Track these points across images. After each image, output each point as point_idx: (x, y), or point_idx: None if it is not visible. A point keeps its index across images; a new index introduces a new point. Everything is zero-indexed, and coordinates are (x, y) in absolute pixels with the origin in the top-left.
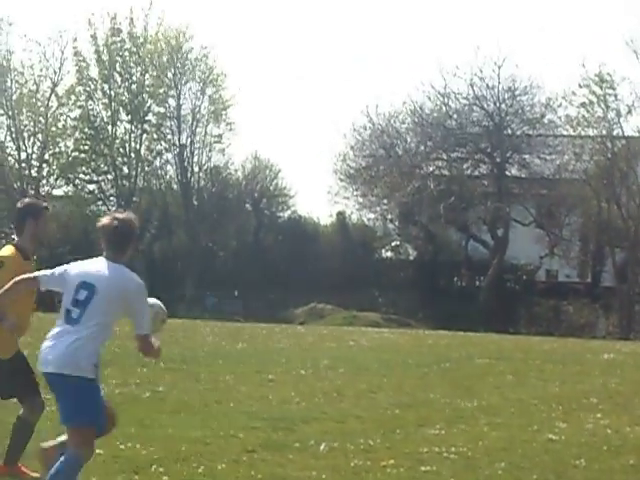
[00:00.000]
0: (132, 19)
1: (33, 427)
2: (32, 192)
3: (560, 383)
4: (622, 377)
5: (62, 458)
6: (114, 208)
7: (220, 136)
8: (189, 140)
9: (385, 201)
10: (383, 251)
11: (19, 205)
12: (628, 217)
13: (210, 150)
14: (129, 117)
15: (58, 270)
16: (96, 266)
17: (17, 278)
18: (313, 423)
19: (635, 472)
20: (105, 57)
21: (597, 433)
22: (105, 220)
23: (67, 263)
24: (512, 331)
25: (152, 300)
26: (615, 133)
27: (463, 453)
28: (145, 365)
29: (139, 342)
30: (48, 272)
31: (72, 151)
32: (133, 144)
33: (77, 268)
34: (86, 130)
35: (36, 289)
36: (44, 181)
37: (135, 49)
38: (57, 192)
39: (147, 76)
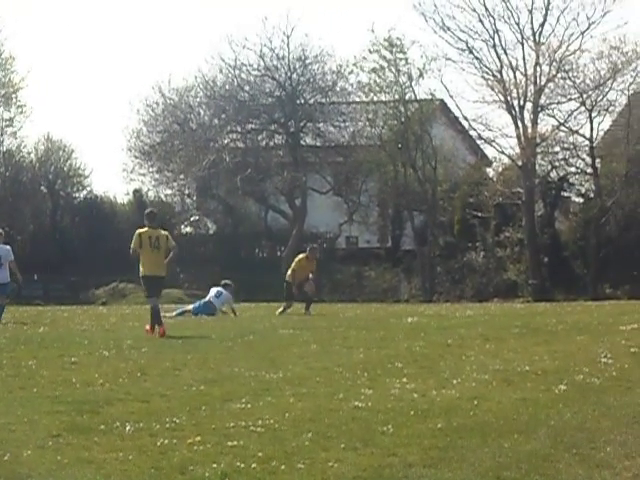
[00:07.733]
0: None
1: None
2: None
3: (365, 349)
4: (426, 340)
5: None
6: None
7: (12, 119)
8: None
9: (182, 176)
10: (182, 226)
11: None
12: (425, 180)
13: (2, 134)
14: None
15: None
16: None
17: None
18: (118, 404)
19: (443, 435)
20: None
21: (403, 398)
22: None
23: None
24: (315, 299)
25: None
26: (407, 97)
27: (270, 425)
28: None
29: None
30: None
31: None
32: None
33: None
34: None
35: None
36: None
37: None
38: None
39: None
